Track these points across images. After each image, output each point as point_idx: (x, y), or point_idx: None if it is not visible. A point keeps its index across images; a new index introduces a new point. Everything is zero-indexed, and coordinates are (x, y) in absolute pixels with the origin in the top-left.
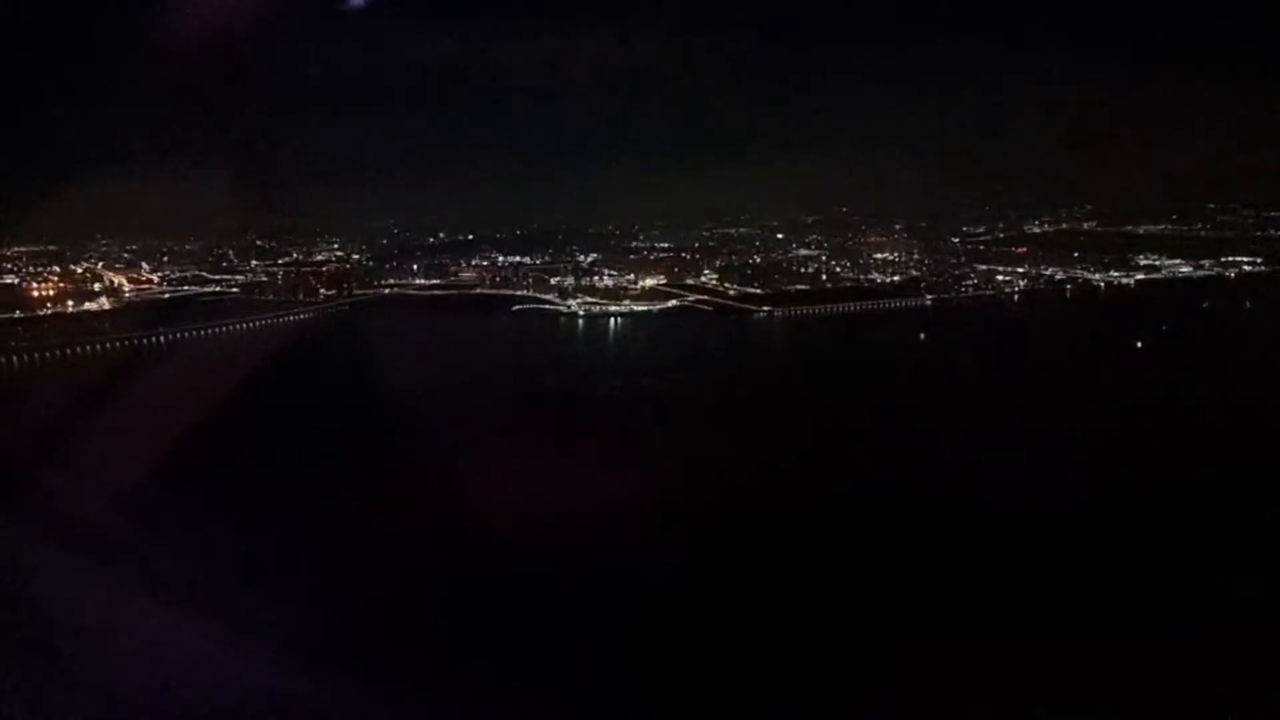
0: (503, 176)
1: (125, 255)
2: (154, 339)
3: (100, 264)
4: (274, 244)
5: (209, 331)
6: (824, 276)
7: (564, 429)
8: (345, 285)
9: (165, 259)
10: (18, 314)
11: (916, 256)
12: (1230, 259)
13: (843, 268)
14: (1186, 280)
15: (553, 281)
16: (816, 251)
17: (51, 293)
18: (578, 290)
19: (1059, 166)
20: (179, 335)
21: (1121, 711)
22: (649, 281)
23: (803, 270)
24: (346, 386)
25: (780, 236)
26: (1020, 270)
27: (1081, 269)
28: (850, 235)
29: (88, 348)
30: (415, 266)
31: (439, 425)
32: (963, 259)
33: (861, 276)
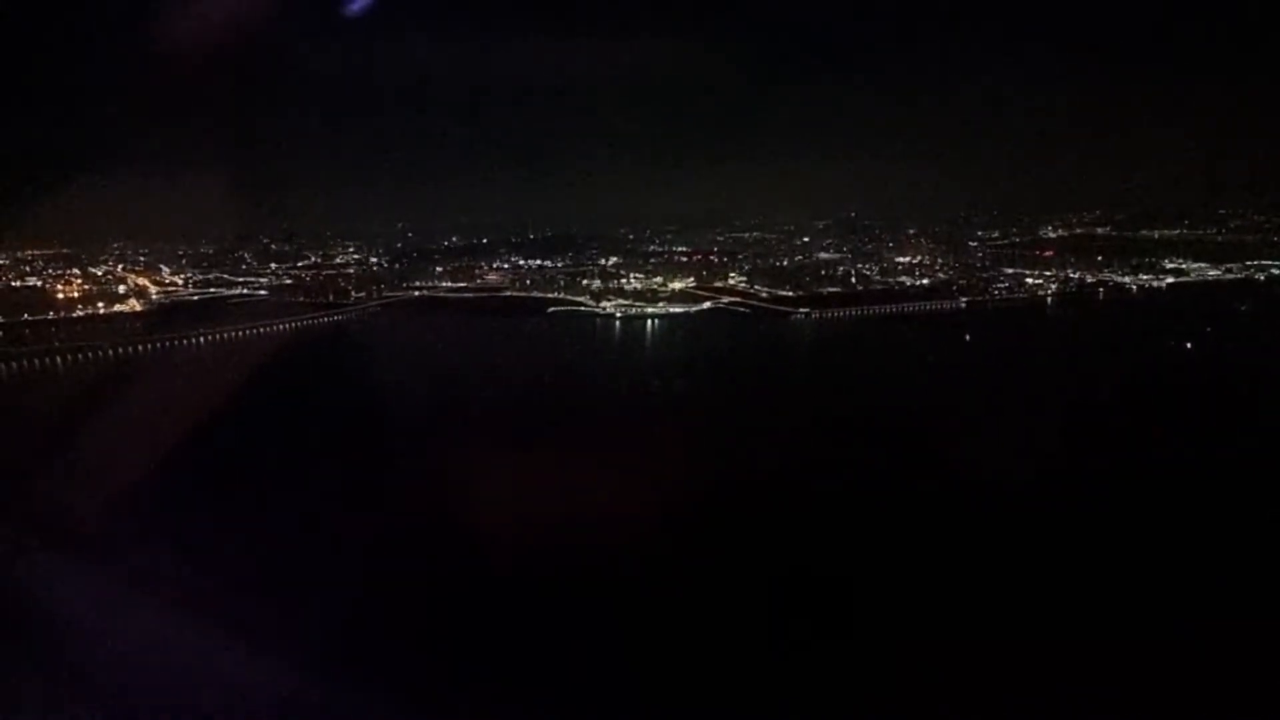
0: (507, 181)
1: (141, 258)
2: (194, 340)
3: (120, 266)
4: (288, 247)
5: (249, 333)
6: (854, 279)
7: (643, 430)
8: (374, 287)
9: (184, 261)
10: (52, 315)
11: (942, 260)
12: (1257, 263)
13: (871, 271)
14: (1216, 284)
15: (582, 284)
16: (838, 255)
17: (77, 295)
18: (609, 293)
19: (1063, 171)
20: (220, 336)
21: None
22: (677, 284)
23: (830, 273)
24: (413, 388)
25: (806, 239)
26: (1048, 273)
27: (1109, 272)
28: (867, 239)
29: (131, 349)
30: (439, 269)
31: (517, 425)
32: (988, 262)
33: (891, 280)
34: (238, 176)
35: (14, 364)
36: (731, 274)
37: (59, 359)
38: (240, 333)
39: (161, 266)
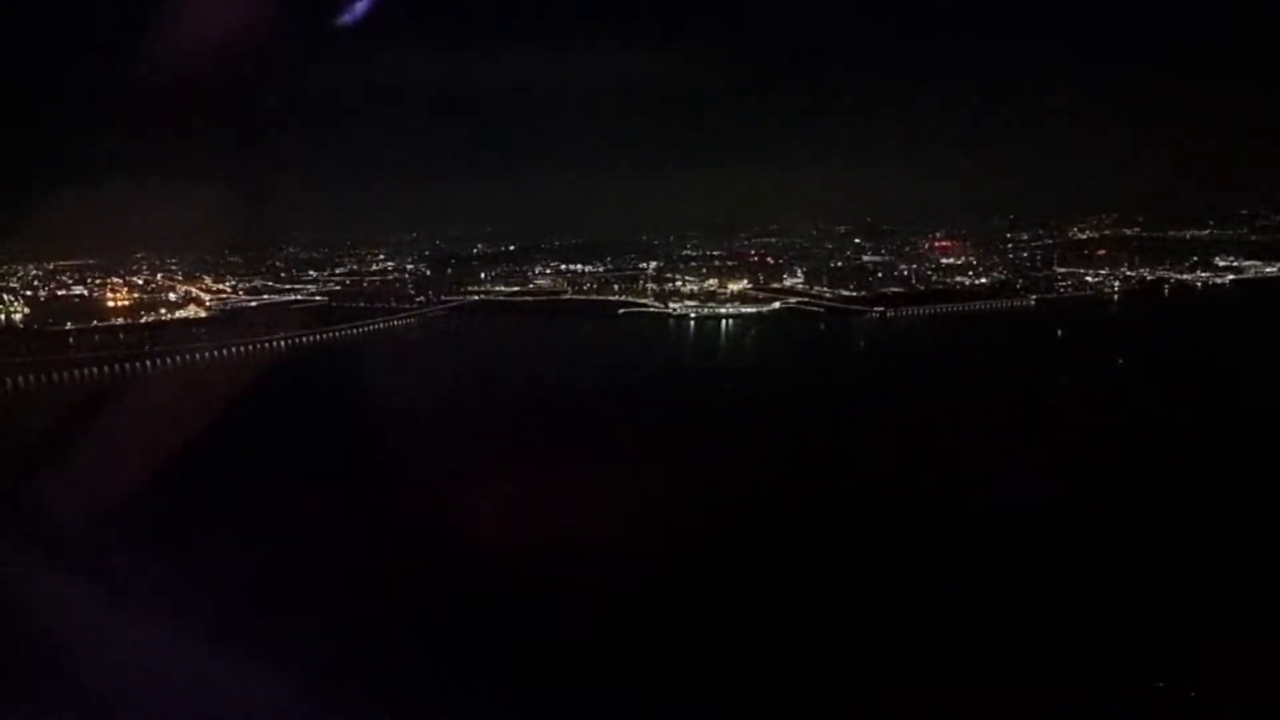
0: (511, 187)
1: (173, 266)
2: (280, 343)
3: (160, 276)
4: (317, 254)
5: (333, 336)
6: (914, 279)
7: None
8: (430, 292)
9: (220, 269)
10: (120, 320)
11: (990, 260)
12: None
13: (930, 271)
14: (1276, 280)
15: (638, 287)
16: (880, 258)
17: (127, 302)
18: (669, 295)
19: (1065, 175)
20: (305, 340)
21: None
22: (735, 285)
23: (886, 274)
24: (562, 384)
25: (855, 242)
26: (1103, 271)
27: (1166, 270)
28: (902, 242)
29: (221, 352)
30: (484, 274)
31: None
32: (1037, 261)
33: (951, 279)
34: (243, 185)
35: (105, 368)
36: (786, 275)
37: (146, 363)
38: (320, 336)
39: (203, 275)
